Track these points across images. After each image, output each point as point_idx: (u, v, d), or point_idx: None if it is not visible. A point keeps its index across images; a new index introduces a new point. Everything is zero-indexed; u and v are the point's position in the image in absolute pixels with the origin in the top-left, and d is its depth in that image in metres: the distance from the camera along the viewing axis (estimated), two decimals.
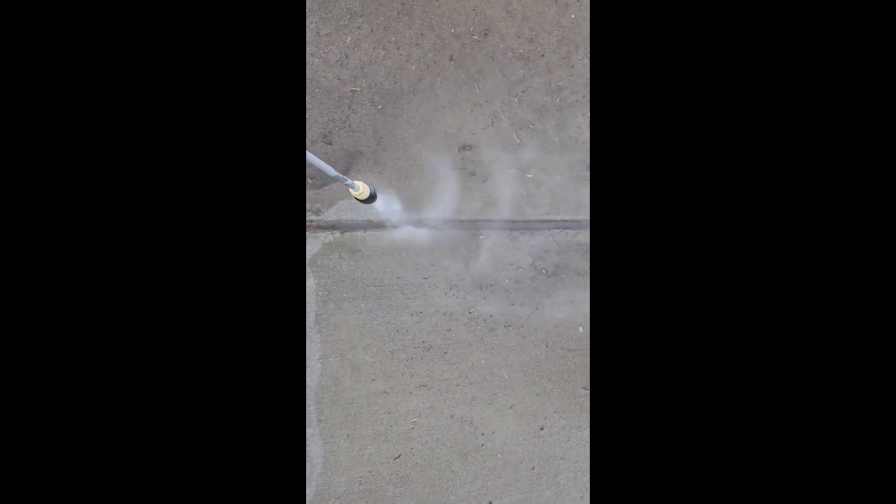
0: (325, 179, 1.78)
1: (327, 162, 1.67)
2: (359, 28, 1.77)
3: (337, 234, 1.80)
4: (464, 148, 1.84)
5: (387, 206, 1.79)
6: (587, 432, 1.88)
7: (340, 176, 1.26)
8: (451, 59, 1.82)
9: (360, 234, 1.81)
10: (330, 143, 1.79)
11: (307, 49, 1.75)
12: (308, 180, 1.76)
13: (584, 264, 1.89)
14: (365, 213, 1.81)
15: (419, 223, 1.84)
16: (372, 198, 1.40)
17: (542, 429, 1.87)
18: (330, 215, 1.81)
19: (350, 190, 1.35)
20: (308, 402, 1.76)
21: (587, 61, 1.90)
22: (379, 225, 1.83)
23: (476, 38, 1.83)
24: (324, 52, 1.77)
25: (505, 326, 1.86)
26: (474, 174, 1.85)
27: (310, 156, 1.09)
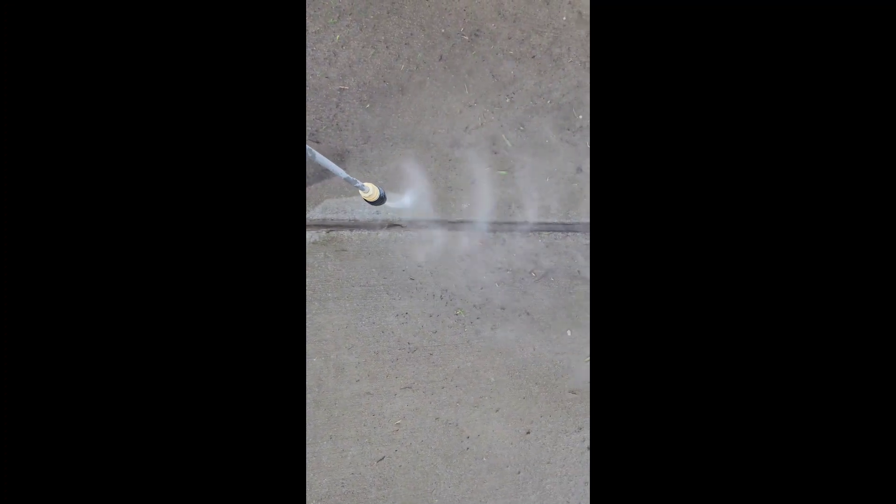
0: (311, 178, 1.77)
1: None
2: (348, 26, 1.76)
3: (322, 232, 1.79)
4: (453, 149, 1.83)
5: (395, 206, 1.78)
6: (574, 437, 1.86)
7: (350, 177, 1.27)
8: (440, 58, 1.81)
9: (345, 233, 1.79)
10: (317, 142, 1.78)
11: None
12: None
13: (574, 267, 1.88)
14: (352, 212, 1.80)
15: (406, 224, 1.83)
16: (381, 199, 1.41)
17: (528, 433, 1.85)
18: (315, 214, 1.79)
19: (360, 192, 1.36)
20: None
21: (579, 63, 1.89)
22: (365, 225, 1.81)
23: (466, 38, 1.83)
24: (312, 50, 1.76)
25: (492, 329, 1.85)
26: (463, 175, 1.84)
27: (319, 157, 1.11)
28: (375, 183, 1.39)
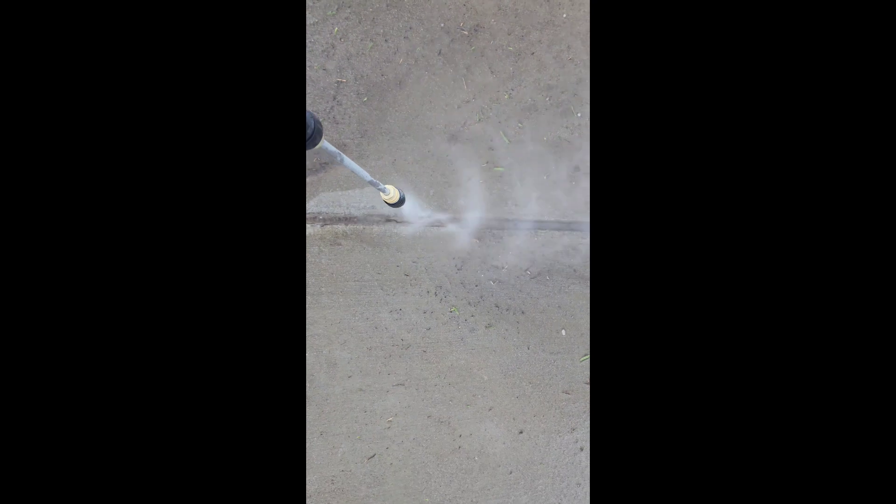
0: (307, 171, 1.75)
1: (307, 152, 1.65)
2: (346, 18, 1.74)
3: (317, 226, 1.77)
4: (450, 144, 1.82)
5: (414, 208, 1.79)
6: (567, 437, 1.85)
7: (374, 180, 1.30)
8: (439, 53, 1.79)
9: (340, 227, 1.77)
10: None
11: None
12: None
13: (570, 267, 1.86)
14: (347, 206, 1.78)
15: (401, 219, 1.81)
16: (401, 202, 1.44)
17: (521, 432, 1.83)
18: (310, 207, 1.77)
19: (381, 194, 1.39)
20: None
21: (578, 61, 1.88)
22: (360, 219, 1.79)
23: (466, 33, 1.81)
24: (309, 42, 1.74)
25: (486, 327, 1.83)
26: (460, 171, 1.83)
27: (347, 160, 1.14)
28: (396, 185, 1.43)
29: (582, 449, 1.85)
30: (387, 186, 1.38)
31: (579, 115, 1.87)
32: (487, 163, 1.83)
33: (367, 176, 1.26)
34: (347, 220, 1.78)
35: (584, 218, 1.88)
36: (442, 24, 1.79)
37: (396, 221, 1.81)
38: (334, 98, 1.75)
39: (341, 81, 1.75)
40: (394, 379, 1.79)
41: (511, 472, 1.82)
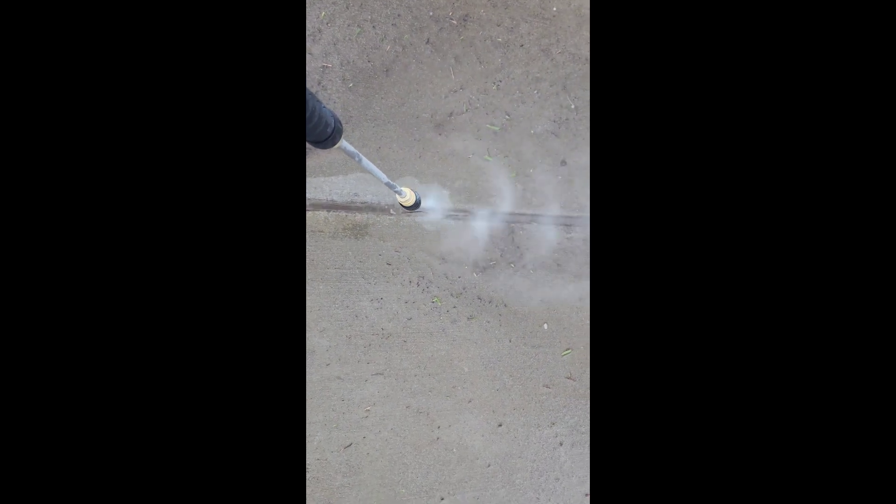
0: None
1: None
2: (334, 3, 1.72)
3: None
4: (436, 133, 1.81)
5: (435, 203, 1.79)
6: (546, 431, 1.84)
7: (391, 182, 1.30)
8: (427, 41, 1.78)
9: (321, 214, 1.76)
10: None
11: None
12: None
13: (555, 261, 1.86)
14: (329, 192, 1.76)
15: (385, 208, 1.80)
16: (417, 205, 1.44)
17: (500, 425, 1.82)
18: None
19: (397, 196, 1.39)
20: None
21: (567, 55, 1.87)
22: (343, 206, 1.78)
23: (454, 22, 1.80)
24: None
25: (468, 318, 1.82)
26: (445, 161, 1.82)
27: (366, 161, 1.14)
28: (412, 187, 1.42)
29: (561, 444, 1.84)
30: (403, 189, 1.37)
31: (573, 106, 1.86)
32: (473, 154, 1.82)
33: (385, 177, 1.25)
34: (329, 206, 1.77)
35: (571, 212, 1.87)
36: (431, 13, 1.78)
37: (380, 210, 1.79)
38: (319, 83, 1.73)
39: (327, 66, 1.74)
40: (373, 368, 1.78)
41: (489, 465, 1.80)
